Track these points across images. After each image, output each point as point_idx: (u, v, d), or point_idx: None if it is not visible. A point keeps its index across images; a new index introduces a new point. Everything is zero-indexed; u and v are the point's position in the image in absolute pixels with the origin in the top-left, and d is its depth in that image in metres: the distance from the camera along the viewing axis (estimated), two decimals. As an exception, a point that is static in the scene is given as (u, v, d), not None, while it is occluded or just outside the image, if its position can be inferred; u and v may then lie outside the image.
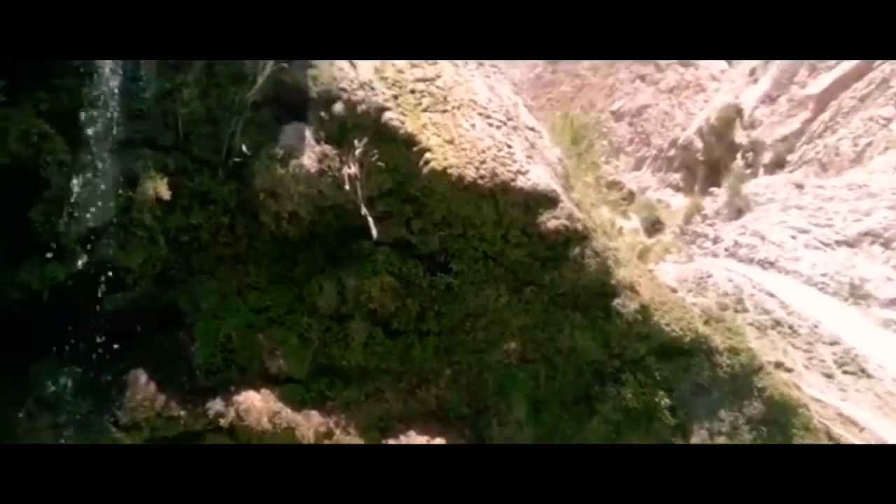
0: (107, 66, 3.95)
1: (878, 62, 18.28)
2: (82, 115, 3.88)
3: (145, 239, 4.15)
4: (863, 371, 10.02)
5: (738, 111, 21.30)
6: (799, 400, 7.20)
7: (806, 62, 19.83)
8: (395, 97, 4.91)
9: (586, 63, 24.74)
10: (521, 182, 5.10)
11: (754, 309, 10.83)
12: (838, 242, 14.17)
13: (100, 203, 3.95)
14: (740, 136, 20.91)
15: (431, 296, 5.06)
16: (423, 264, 5.02)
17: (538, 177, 5.23)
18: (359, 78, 4.81)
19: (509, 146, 5.24)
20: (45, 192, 3.95)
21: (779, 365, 9.05)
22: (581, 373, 5.73)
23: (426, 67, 5.26)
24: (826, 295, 12.83)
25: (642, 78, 23.95)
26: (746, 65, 21.84)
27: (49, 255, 3.93)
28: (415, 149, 4.80)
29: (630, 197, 18.64)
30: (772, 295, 11.49)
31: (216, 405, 4.34)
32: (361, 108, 4.72)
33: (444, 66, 5.42)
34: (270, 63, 4.43)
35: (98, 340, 4.01)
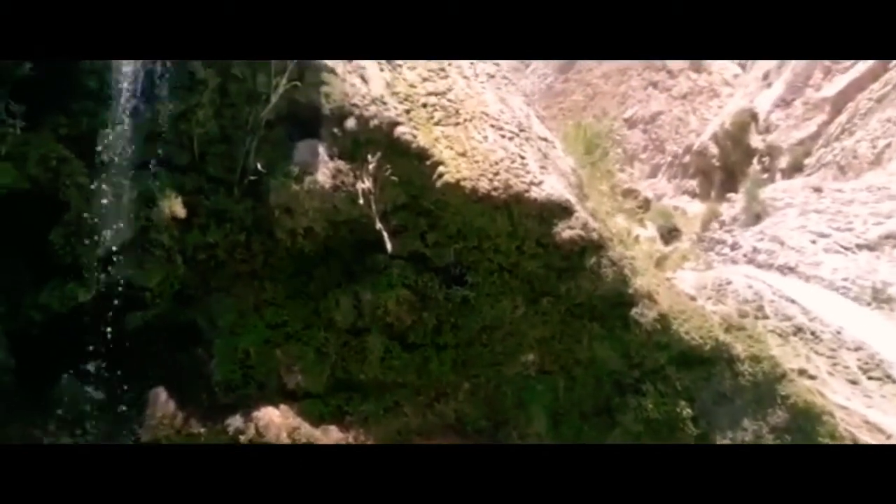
0: (124, 88, 4.01)
1: (893, 63, 18.10)
2: (100, 138, 3.94)
3: (163, 258, 4.20)
4: (888, 376, 9.83)
5: (754, 115, 21.16)
6: (823, 407, 7.07)
7: (820, 65, 19.68)
8: (408, 111, 4.94)
9: (597, 71, 24.73)
10: (534, 193, 5.09)
11: (775, 315, 10.69)
12: (859, 246, 13.96)
13: (118, 224, 4.00)
14: (756, 141, 20.75)
15: (448, 309, 5.05)
16: (439, 277, 5.01)
17: (552, 187, 5.22)
18: (371, 93, 4.85)
19: (522, 157, 5.24)
20: (65, 215, 4.01)
21: (802, 372, 8.91)
22: (600, 384, 5.68)
23: (437, 81, 5.29)
24: (848, 300, 12.62)
25: (654, 85, 23.89)
26: (760, 69, 21.72)
27: (69, 276, 3.98)
28: (428, 162, 4.82)
29: (646, 204, 18.51)
30: (793, 301, 11.33)
31: (236, 422, 4.36)
32: (374, 122, 4.76)
33: (456, 79, 5.45)
34: (283, 81, 4.48)
35: (117, 359, 4.04)
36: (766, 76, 21.55)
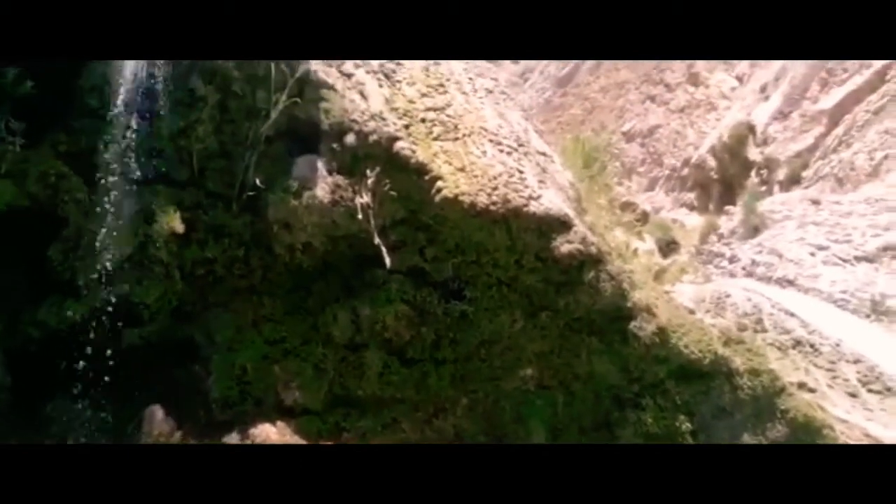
0: (123, 105, 4.03)
1: (890, 74, 18.19)
2: (99, 154, 3.95)
3: (161, 274, 4.20)
4: (888, 389, 9.81)
5: (751, 128, 21.23)
6: (823, 421, 7.05)
7: (817, 77, 19.77)
8: (406, 127, 4.96)
9: (595, 86, 24.84)
10: (533, 207, 5.10)
11: (774, 328, 10.68)
12: (857, 258, 13.97)
13: (117, 240, 4.00)
14: (754, 154, 20.81)
15: (446, 323, 5.04)
16: (438, 292, 5.01)
17: (550, 201, 5.23)
18: (370, 109, 4.87)
19: (521, 171, 5.26)
20: (63, 231, 4.01)
21: (801, 385, 8.89)
22: (600, 398, 5.66)
23: (436, 97, 5.31)
24: (847, 312, 12.62)
25: (652, 98, 23.99)
26: (757, 82, 21.82)
27: (67, 293, 3.97)
28: (426, 177, 4.83)
29: (644, 218, 18.53)
30: (792, 314, 11.32)
31: (233, 439, 4.33)
32: (373, 138, 4.77)
33: (454, 94, 5.47)
34: (283, 98, 4.50)
35: (115, 376, 4.02)
36: (763, 89, 21.65)
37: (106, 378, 3.95)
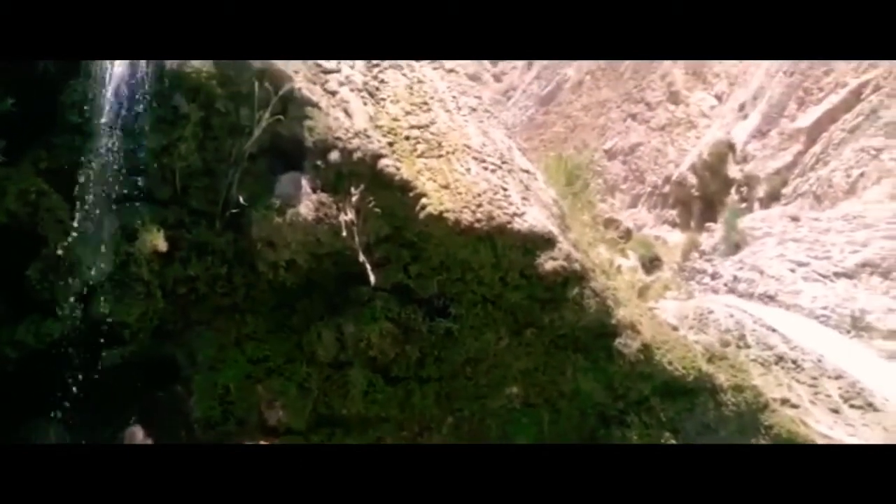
0: (104, 122, 3.99)
1: (865, 93, 18.57)
2: (80, 172, 3.91)
3: (143, 293, 4.14)
4: (870, 405, 9.89)
5: (731, 146, 21.52)
6: (807, 437, 7.10)
7: (794, 96, 20.13)
8: (391, 144, 4.97)
9: (577, 104, 25.11)
10: (517, 224, 5.12)
11: (757, 345, 10.74)
12: (837, 274, 14.15)
13: (97, 259, 3.95)
14: (734, 171, 21.09)
15: (431, 341, 5.03)
16: (422, 309, 5.00)
17: (534, 218, 5.26)
18: (354, 127, 4.88)
19: (505, 189, 5.28)
20: (43, 250, 3.95)
21: (784, 401, 8.93)
22: (585, 416, 5.66)
23: (420, 114, 5.34)
24: (828, 328, 12.75)
25: (633, 116, 24.28)
26: (735, 101, 22.16)
27: (46, 312, 3.91)
28: (411, 194, 4.84)
29: (627, 234, 18.66)
30: (774, 330, 11.40)
31: (215, 460, 4.25)
32: (357, 155, 4.78)
33: (438, 112, 5.50)
34: (266, 115, 4.49)
35: (95, 396, 3.95)
36: (741, 107, 21.99)
37: (85, 398, 3.88)
